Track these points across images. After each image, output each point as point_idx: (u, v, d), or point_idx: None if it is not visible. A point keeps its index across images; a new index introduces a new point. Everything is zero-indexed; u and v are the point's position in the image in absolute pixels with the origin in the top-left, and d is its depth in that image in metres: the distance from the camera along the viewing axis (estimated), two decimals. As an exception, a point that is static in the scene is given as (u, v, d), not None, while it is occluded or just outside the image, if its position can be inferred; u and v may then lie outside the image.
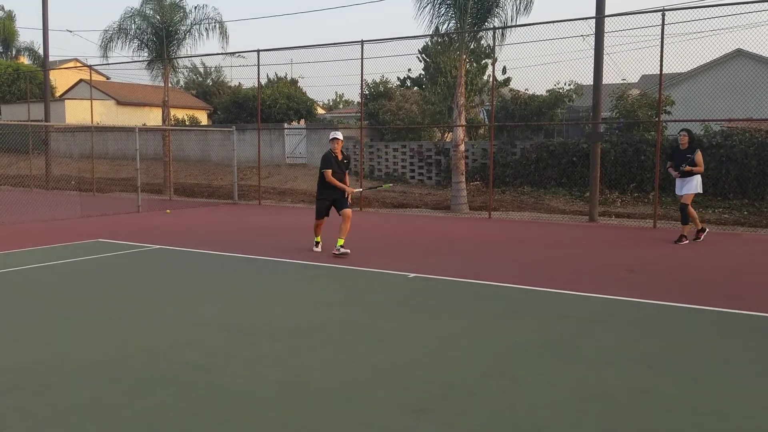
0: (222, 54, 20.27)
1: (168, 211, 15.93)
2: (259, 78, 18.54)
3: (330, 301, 6.84)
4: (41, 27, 23.37)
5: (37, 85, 32.44)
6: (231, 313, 6.30)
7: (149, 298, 6.87)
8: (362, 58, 16.21)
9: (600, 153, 14.89)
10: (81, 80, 35.21)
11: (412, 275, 8.16)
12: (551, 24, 14.70)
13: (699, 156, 10.65)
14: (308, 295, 7.15)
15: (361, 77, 16.56)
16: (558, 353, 5.11)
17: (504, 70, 24.54)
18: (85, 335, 5.51)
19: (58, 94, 36.78)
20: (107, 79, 39.35)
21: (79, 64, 37.36)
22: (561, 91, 21.50)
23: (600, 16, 14.09)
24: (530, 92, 22.26)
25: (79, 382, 4.42)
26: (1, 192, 21.39)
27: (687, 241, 10.87)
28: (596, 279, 8.07)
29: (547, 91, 21.90)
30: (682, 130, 10.92)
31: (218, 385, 4.36)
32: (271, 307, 6.55)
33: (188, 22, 19.46)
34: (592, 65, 14.24)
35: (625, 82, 20.33)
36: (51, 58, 41.80)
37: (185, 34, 19.46)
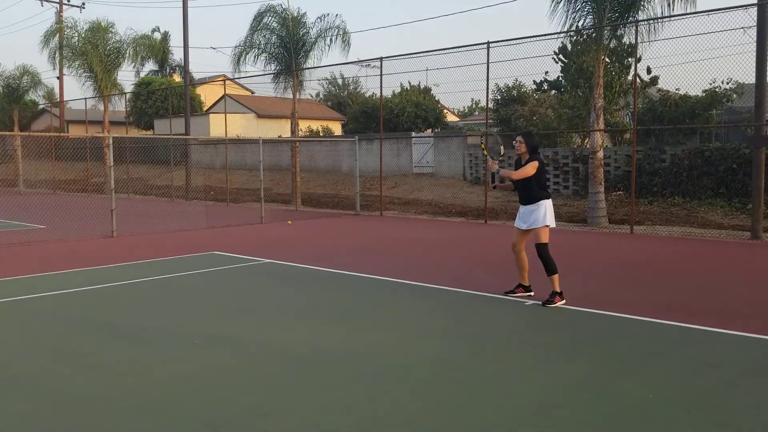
0: (345, 63, 20.12)
1: (289, 222, 15.84)
2: (381, 86, 18.12)
3: (429, 330, 6.02)
4: (182, 45, 24.61)
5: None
6: (320, 341, 5.66)
7: (239, 320, 6.42)
8: (488, 63, 15.23)
9: (764, 159, 12.86)
10: (226, 95, 37.05)
11: (530, 303, 7.13)
12: (705, 15, 12.93)
13: (528, 166, 7.08)
14: (410, 321, 6.37)
15: (487, 82, 15.56)
16: (696, 417, 3.95)
17: (648, 70, 22.40)
18: (158, 363, 5.09)
19: (205, 108, 38.93)
20: (252, 93, 41.11)
21: (224, 80, 39.32)
22: (718, 90, 19.16)
23: (762, 3, 12.15)
24: (682, 92, 20.07)
25: (127, 421, 3.94)
26: (145, 202, 22.66)
27: (562, 301, 7.01)
28: (764, 314, 6.60)
29: (704, 91, 19.63)
30: (519, 134, 7.42)
31: (271, 440, 3.71)
32: (368, 335, 5.85)
33: (313, 33, 19.47)
34: (755, 60, 12.33)
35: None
36: (201, 75, 44.46)
37: (312, 45, 19.47)
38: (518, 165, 7.30)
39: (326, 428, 3.86)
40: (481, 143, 7.70)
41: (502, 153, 7.64)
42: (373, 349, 5.48)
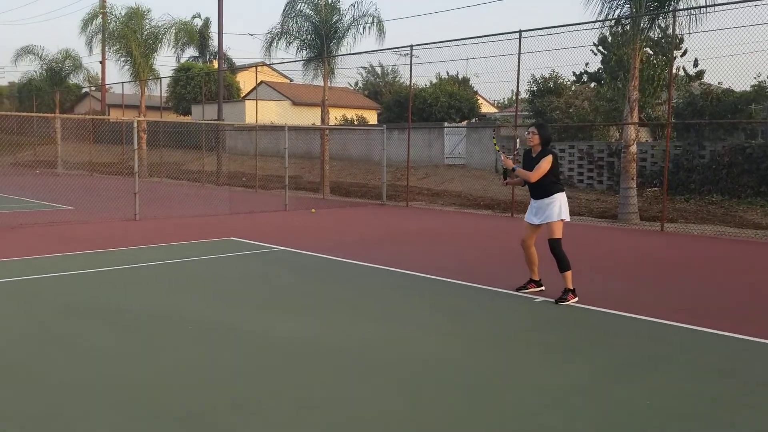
0: (374, 51, 19.88)
1: (313, 210, 15.75)
2: (411, 75, 17.86)
3: (429, 325, 5.81)
4: (216, 31, 24.73)
5: (225, 87, 34.73)
6: (315, 332, 5.51)
7: (236, 309, 6.31)
8: (519, 52, 14.83)
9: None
10: (262, 82, 37.18)
11: (540, 299, 6.87)
12: (749, 6, 12.33)
13: (543, 162, 6.68)
14: (410, 315, 6.18)
15: (518, 72, 15.14)
16: (700, 431, 3.68)
17: (695, 63, 21.61)
18: (146, 350, 5.02)
19: (242, 95, 39.15)
20: (290, 81, 41.13)
21: (261, 67, 39.52)
22: (763, 84, 18.35)
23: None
24: (724, 86, 19.28)
25: (98, 416, 3.86)
26: (175, 186, 22.88)
27: (575, 299, 6.70)
28: (784, 321, 6.22)
29: (752, 86, 18.79)
30: (532, 125, 7.02)
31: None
32: (367, 328, 5.67)
33: (346, 20, 19.25)
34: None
35: None
36: (241, 62, 44.71)
37: (345, 33, 19.27)
38: (527, 157, 6.97)
39: (299, 425, 3.72)
40: (493, 138, 7.42)
41: (517, 146, 7.28)
42: (369, 343, 5.31)
